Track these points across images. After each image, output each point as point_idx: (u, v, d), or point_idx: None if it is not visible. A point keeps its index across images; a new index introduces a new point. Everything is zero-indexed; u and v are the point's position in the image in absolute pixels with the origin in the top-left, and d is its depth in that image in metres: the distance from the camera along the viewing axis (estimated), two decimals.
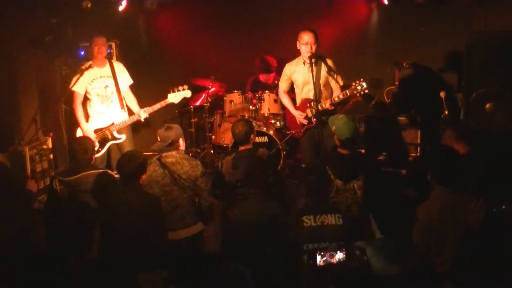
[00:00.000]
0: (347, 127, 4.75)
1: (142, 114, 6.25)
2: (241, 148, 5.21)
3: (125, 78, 6.42)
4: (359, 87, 5.77)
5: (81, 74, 6.26)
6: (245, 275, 2.85)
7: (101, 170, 4.89)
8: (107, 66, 6.35)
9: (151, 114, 6.31)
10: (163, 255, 4.35)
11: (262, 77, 7.65)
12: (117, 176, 4.75)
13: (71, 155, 4.95)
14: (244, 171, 4.46)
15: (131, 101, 6.40)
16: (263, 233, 4.11)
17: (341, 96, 5.90)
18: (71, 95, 6.39)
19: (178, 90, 6.18)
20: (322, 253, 3.11)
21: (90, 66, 6.29)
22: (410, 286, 3.28)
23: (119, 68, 6.42)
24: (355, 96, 5.91)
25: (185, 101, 7.72)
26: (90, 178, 4.73)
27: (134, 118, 6.28)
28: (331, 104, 5.92)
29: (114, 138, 6.29)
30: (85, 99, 6.36)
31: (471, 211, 3.53)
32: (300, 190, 5.83)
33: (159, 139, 4.93)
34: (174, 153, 4.85)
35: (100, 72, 6.32)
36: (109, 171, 4.98)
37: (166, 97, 6.22)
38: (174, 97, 6.18)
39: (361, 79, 5.79)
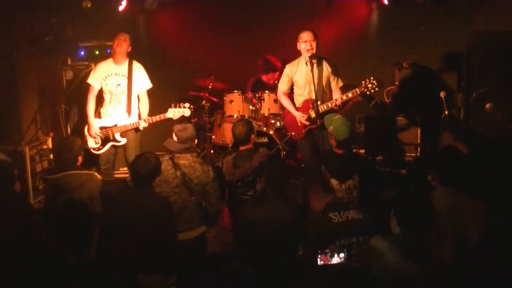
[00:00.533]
0: (345, 128, 4.75)
1: (141, 123, 6.20)
2: (242, 148, 5.20)
3: (142, 81, 6.32)
4: (369, 85, 5.79)
5: (99, 67, 6.27)
6: (247, 274, 2.84)
7: (84, 171, 4.81)
8: (125, 65, 6.25)
9: (150, 124, 6.26)
10: (172, 258, 4.35)
11: (265, 77, 7.65)
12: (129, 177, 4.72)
13: (57, 153, 4.91)
14: (267, 173, 4.44)
15: (144, 106, 6.32)
16: (283, 234, 4.11)
17: (350, 95, 5.89)
18: (78, 91, 6.37)
19: (179, 107, 6.12)
20: (322, 254, 3.11)
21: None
22: (420, 285, 3.26)
23: (138, 69, 6.31)
24: (364, 93, 5.90)
25: (185, 100, 7.75)
26: (71, 178, 4.67)
27: (134, 125, 6.24)
28: (337, 105, 5.91)
29: (115, 140, 6.27)
30: (102, 99, 6.33)
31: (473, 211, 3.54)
32: (299, 190, 5.84)
33: (175, 139, 4.87)
34: (187, 155, 4.84)
35: (117, 69, 6.24)
36: (95, 174, 4.91)
37: (166, 110, 6.15)
38: (173, 113, 6.11)
39: (372, 78, 5.80)
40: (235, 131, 5.15)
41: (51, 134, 7.07)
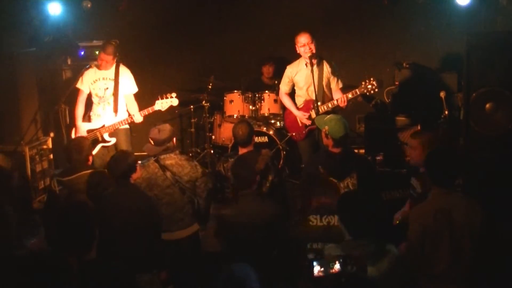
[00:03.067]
0: (341, 125, 4.77)
1: (137, 116, 6.20)
2: (243, 149, 5.15)
3: (128, 85, 6.36)
4: (369, 86, 5.81)
5: (86, 73, 6.30)
6: (251, 275, 2.82)
7: (97, 170, 4.85)
8: (112, 69, 6.30)
9: (143, 124, 6.24)
10: (160, 255, 4.34)
11: (265, 70, 7.67)
12: None
13: (66, 155, 4.92)
14: (232, 173, 4.39)
15: (134, 107, 6.33)
16: (261, 234, 4.07)
17: (350, 96, 5.91)
18: (76, 93, 6.39)
19: (166, 98, 6.12)
20: (319, 263, 3.09)
21: (91, 67, 6.32)
22: None
23: (124, 73, 6.36)
24: (364, 94, 5.91)
25: (185, 100, 7.76)
26: (85, 178, 4.69)
27: (124, 122, 6.24)
28: (339, 106, 5.93)
29: (104, 141, 6.26)
30: (91, 103, 6.36)
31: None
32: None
33: (152, 143, 4.85)
34: (172, 155, 4.83)
35: (104, 74, 6.30)
36: (105, 170, 4.88)
37: (153, 103, 6.15)
38: (161, 104, 6.11)
39: (372, 78, 5.82)
40: (238, 132, 5.08)
41: (51, 134, 7.06)
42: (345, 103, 5.94)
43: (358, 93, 5.89)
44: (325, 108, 5.93)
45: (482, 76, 5.77)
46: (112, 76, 6.29)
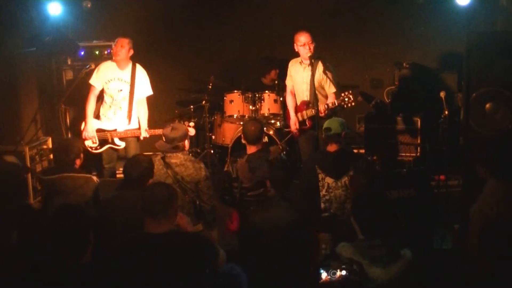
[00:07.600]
0: (327, 123, 4.87)
1: (143, 133, 6.18)
2: (251, 148, 5.03)
3: (143, 87, 6.26)
4: (346, 99, 5.93)
5: (101, 68, 6.24)
6: (241, 275, 2.82)
7: (81, 175, 4.77)
8: (129, 70, 6.19)
9: (151, 135, 6.22)
10: None
11: (273, 73, 7.68)
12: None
13: (54, 154, 4.89)
14: (269, 174, 4.30)
15: (142, 113, 6.28)
16: (285, 240, 4.02)
17: (330, 105, 6.01)
18: (76, 92, 6.37)
19: (184, 124, 6.08)
20: (325, 270, 3.09)
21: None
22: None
23: (141, 75, 6.25)
24: (342, 106, 6.03)
25: (185, 100, 7.76)
26: (68, 180, 4.63)
27: (134, 133, 6.22)
28: (323, 111, 6.00)
29: (113, 144, 6.26)
30: (102, 99, 6.31)
31: None
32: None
33: (164, 140, 4.88)
34: (179, 154, 4.83)
35: (120, 74, 6.19)
36: (93, 177, 4.85)
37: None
38: None
39: (350, 91, 5.95)
40: (250, 128, 4.96)
41: (51, 134, 7.06)
42: (324, 113, 5.99)
43: (336, 104, 6.01)
44: (308, 114, 6.11)
45: (482, 76, 5.78)
46: (128, 78, 6.19)
